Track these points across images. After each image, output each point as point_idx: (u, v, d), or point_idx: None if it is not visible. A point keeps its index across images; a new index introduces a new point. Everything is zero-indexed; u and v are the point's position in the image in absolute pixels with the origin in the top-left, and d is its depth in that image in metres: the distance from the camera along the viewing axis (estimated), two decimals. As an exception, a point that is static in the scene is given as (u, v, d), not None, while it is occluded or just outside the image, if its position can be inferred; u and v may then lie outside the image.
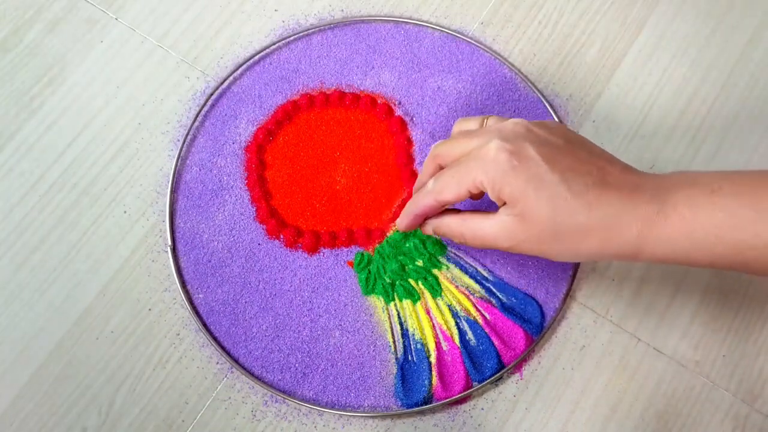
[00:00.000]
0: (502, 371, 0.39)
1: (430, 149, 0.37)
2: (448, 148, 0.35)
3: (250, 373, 0.40)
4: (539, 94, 0.45)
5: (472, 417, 0.39)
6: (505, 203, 0.33)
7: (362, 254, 0.42)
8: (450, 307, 0.41)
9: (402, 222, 0.38)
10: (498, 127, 0.34)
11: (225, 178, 0.44)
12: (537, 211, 0.32)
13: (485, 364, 0.40)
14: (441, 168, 0.36)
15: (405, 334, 0.41)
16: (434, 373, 0.40)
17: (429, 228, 0.38)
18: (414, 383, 0.39)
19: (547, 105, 0.45)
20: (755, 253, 0.30)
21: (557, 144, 0.33)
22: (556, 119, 0.44)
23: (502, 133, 0.33)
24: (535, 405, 0.39)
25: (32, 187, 0.44)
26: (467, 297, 0.41)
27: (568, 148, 0.33)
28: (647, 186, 0.32)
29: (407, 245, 0.42)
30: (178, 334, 0.41)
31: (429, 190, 0.35)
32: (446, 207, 0.36)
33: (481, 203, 0.40)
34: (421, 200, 0.36)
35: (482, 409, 0.39)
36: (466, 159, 0.34)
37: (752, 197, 0.30)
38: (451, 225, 0.36)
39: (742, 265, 0.31)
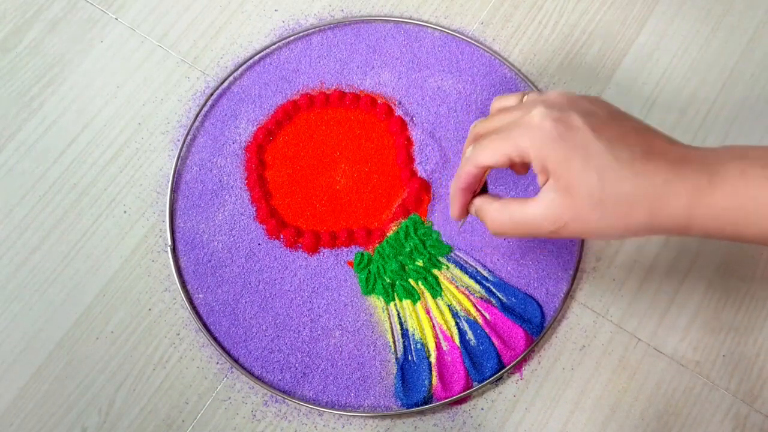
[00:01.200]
0: (502, 371, 0.40)
1: (470, 129, 0.36)
2: (488, 123, 0.35)
3: (250, 373, 0.40)
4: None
5: (472, 417, 0.40)
6: (547, 180, 0.32)
7: (362, 254, 0.42)
8: (450, 307, 0.41)
9: (451, 206, 0.37)
10: (542, 97, 0.33)
11: (225, 178, 0.44)
12: (584, 181, 0.31)
13: (485, 364, 0.40)
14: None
15: (405, 334, 0.41)
16: (434, 373, 0.40)
17: (472, 209, 0.36)
18: (414, 383, 0.40)
19: (547, 105, 0.45)
20: None
21: (601, 115, 0.32)
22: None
23: (546, 102, 0.33)
24: (535, 405, 0.40)
25: (32, 187, 0.44)
26: (467, 297, 0.41)
27: (613, 120, 0.33)
28: (695, 157, 0.31)
29: (407, 245, 0.42)
30: (178, 334, 0.41)
31: (467, 157, 0.34)
32: (487, 172, 0.35)
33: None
34: (460, 171, 0.35)
35: (482, 409, 0.40)
36: (509, 126, 0.33)
37: None
38: (491, 209, 0.34)
39: None
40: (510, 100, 0.36)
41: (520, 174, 0.37)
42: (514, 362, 0.40)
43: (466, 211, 0.36)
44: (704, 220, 0.31)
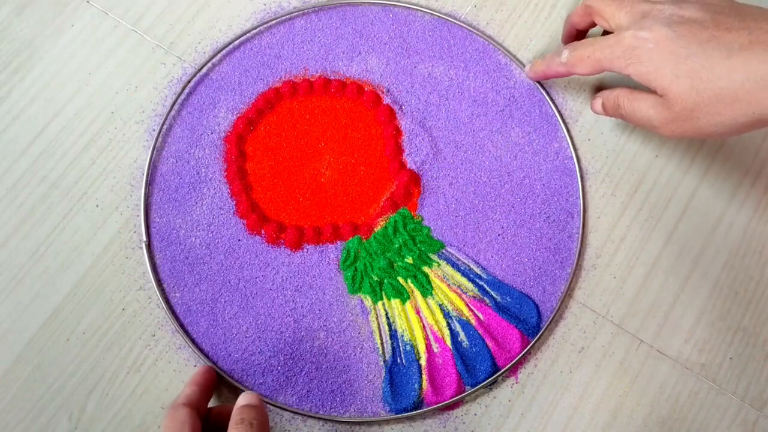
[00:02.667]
0: (497, 374, 0.38)
1: (565, 22, 0.42)
2: (604, 5, 0.37)
3: (230, 377, 0.39)
4: (535, 82, 0.43)
5: (464, 423, 0.38)
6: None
7: (348, 250, 0.41)
8: (441, 307, 0.40)
9: (533, 71, 0.42)
10: (643, 9, 0.35)
11: (203, 170, 0.42)
12: (677, 88, 0.33)
13: (478, 366, 0.38)
14: (592, 20, 0.39)
15: (393, 335, 0.39)
16: (424, 376, 0.38)
17: (598, 102, 0.40)
18: (403, 387, 0.38)
19: (543, 92, 0.43)
20: None
21: (701, 18, 0.34)
22: (554, 107, 0.43)
23: (645, 15, 0.35)
24: (531, 410, 0.38)
25: (-1, 180, 0.43)
26: (459, 296, 0.40)
27: (714, 20, 0.33)
28: None
29: (395, 242, 0.41)
30: (154, 336, 0.40)
31: (564, 61, 0.38)
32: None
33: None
34: (553, 66, 0.39)
35: (475, 414, 0.38)
36: (604, 40, 0.36)
37: None
38: (620, 96, 0.38)
39: None
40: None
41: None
42: (509, 365, 0.38)
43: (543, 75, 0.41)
44: None
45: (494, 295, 0.40)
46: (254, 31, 0.45)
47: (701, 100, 0.32)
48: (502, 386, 0.39)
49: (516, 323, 0.39)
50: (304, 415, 0.38)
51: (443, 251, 0.41)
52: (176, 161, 0.42)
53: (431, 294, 0.40)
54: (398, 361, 0.39)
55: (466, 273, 0.40)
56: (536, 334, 0.39)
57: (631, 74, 0.35)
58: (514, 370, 0.39)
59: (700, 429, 0.37)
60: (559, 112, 0.43)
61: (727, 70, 0.32)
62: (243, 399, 0.34)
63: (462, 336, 0.39)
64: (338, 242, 0.41)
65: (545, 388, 0.38)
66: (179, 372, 0.39)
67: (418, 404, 0.38)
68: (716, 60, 0.32)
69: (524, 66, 0.44)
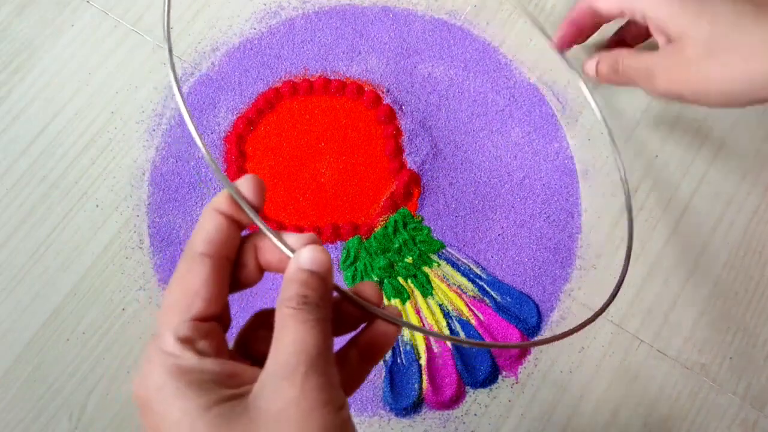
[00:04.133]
0: (497, 374, 0.39)
1: None
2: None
3: (229, 377, 0.39)
4: (536, 81, 0.44)
5: (464, 423, 0.39)
6: (666, 42, 0.34)
7: (348, 250, 0.41)
8: (441, 307, 0.40)
9: (559, 33, 0.41)
10: None
11: (203, 170, 0.43)
12: (694, 32, 0.32)
13: (478, 366, 0.39)
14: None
15: (393, 335, 0.40)
16: (424, 376, 0.39)
17: (591, 64, 0.40)
18: (403, 387, 0.39)
19: (544, 92, 0.44)
20: None
21: None
22: (554, 107, 0.44)
23: None
24: (531, 410, 0.39)
25: (-1, 180, 0.43)
26: (459, 296, 0.40)
27: None
28: None
29: (395, 241, 0.41)
30: (154, 335, 0.40)
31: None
32: (599, 20, 0.39)
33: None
34: (577, 5, 0.38)
35: (475, 414, 0.39)
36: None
37: None
38: (621, 54, 0.37)
39: None
40: None
41: (633, 44, 0.40)
42: (509, 365, 0.39)
43: (566, 44, 0.41)
44: None
45: (494, 295, 0.40)
46: (254, 31, 0.46)
47: (718, 46, 0.31)
48: (502, 386, 0.39)
49: (516, 323, 0.40)
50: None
51: (443, 251, 0.41)
52: (176, 161, 0.43)
53: (431, 294, 0.41)
54: (398, 360, 0.39)
55: (466, 273, 0.41)
56: (536, 334, 0.40)
57: (646, 11, 0.34)
58: (514, 369, 0.39)
59: (700, 429, 0.38)
60: (558, 112, 0.43)
61: (753, 20, 0.31)
62: (298, 259, 0.23)
63: (462, 336, 0.40)
64: (338, 242, 0.42)
65: (545, 388, 0.39)
66: (179, 372, 0.40)
67: (418, 404, 0.39)
68: (742, 14, 0.31)
69: (524, 66, 0.44)
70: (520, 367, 0.39)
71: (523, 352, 0.39)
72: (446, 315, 0.40)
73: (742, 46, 0.31)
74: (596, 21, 0.39)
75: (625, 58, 0.37)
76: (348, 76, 0.45)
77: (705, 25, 0.32)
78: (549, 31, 0.43)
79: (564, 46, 0.41)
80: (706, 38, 0.32)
